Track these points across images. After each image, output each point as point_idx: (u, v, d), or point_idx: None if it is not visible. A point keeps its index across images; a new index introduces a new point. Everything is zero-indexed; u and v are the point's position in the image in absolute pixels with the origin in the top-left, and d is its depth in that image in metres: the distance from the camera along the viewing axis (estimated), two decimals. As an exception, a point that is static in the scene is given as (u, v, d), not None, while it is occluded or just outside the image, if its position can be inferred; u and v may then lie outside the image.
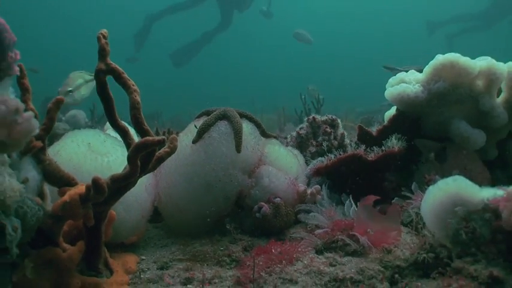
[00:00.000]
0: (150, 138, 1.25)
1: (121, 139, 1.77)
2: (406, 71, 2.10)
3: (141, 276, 1.45)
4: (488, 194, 1.32)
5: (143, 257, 1.59)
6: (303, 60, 31.89)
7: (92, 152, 1.60)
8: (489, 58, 2.01)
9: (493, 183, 2.00)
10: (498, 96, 2.05)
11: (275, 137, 2.00)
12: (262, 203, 1.67)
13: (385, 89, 2.10)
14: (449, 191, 1.36)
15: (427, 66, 1.99)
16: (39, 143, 1.24)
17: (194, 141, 1.71)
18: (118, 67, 1.41)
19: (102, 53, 1.38)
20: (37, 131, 1.05)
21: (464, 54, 1.96)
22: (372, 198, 1.59)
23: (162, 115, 9.09)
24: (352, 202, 1.66)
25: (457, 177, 1.38)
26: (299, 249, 1.46)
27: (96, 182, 1.19)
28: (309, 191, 1.78)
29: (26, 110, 1.04)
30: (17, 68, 1.05)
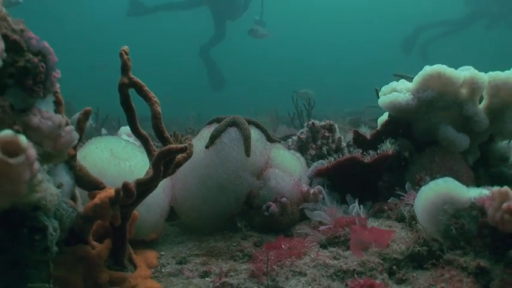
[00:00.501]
0: (174, 146, 1.30)
1: (137, 144, 1.84)
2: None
3: (162, 270, 1.49)
4: (474, 193, 1.39)
5: (162, 253, 1.63)
6: (294, 65, 31.99)
7: (115, 158, 1.64)
8: (472, 68, 2.07)
9: (476, 182, 2.08)
10: (480, 103, 2.12)
11: (279, 142, 2.05)
12: (270, 203, 1.72)
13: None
14: (440, 191, 1.42)
15: (416, 76, 2.05)
16: (72, 151, 1.30)
17: (207, 146, 1.75)
18: (139, 81, 1.46)
19: (125, 68, 1.43)
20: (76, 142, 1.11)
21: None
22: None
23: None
24: (356, 203, 1.72)
25: (446, 178, 1.44)
26: (306, 245, 1.51)
27: (126, 186, 1.24)
28: (311, 191, 1.83)
29: (66, 124, 1.10)
30: (57, 85, 1.10)
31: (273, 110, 10.07)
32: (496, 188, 1.30)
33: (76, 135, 1.08)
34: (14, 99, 0.99)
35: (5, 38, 0.97)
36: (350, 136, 2.62)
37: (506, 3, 12.13)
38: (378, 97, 2.85)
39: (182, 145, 1.30)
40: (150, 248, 1.66)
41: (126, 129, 2.42)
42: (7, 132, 0.85)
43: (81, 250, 1.33)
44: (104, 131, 5.02)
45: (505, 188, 1.27)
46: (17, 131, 0.96)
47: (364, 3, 32.42)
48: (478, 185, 2.06)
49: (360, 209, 1.68)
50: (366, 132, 4.52)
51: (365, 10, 32.64)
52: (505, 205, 1.24)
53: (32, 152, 0.88)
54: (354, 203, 1.71)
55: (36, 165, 0.90)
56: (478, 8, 12.75)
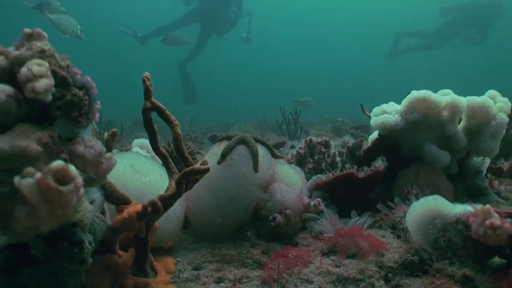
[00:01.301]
0: (197, 167, 1.32)
1: (152, 158, 1.85)
2: None
3: (180, 276, 1.50)
4: (460, 209, 1.43)
5: (178, 259, 1.64)
6: (282, 76, 32.17)
7: (136, 172, 1.65)
8: (452, 93, 2.13)
9: (454, 193, 2.14)
10: (459, 124, 2.18)
11: (282, 158, 2.08)
12: (276, 214, 1.74)
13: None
14: (429, 206, 1.46)
15: (404, 99, 2.10)
16: (103, 170, 1.31)
17: (219, 162, 1.77)
18: (161, 105, 1.48)
19: (148, 94, 1.45)
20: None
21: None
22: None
23: (155, 123, 8.99)
24: (356, 214, 1.75)
25: (435, 196, 1.48)
26: (310, 254, 1.54)
27: (155, 204, 1.26)
28: (312, 203, 1.85)
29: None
30: (97, 115, 1.12)
31: (261, 117, 10.12)
32: (479, 206, 1.34)
33: (115, 161, 1.09)
34: (61, 129, 1.00)
35: (54, 74, 0.98)
36: (335, 142, 2.64)
37: (477, 18, 12.19)
38: (363, 111, 2.91)
39: (204, 167, 1.32)
40: (167, 255, 1.66)
41: (138, 141, 2.44)
42: (59, 163, 0.86)
43: (109, 259, 1.34)
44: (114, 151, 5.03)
45: (488, 206, 1.32)
46: (65, 160, 0.98)
47: (345, 19, 32.79)
48: (456, 196, 2.13)
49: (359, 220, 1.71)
50: (350, 140, 4.58)
51: (347, 24, 32.98)
52: (488, 222, 1.29)
53: (80, 179, 0.89)
54: (355, 215, 1.74)
55: (82, 190, 0.92)
56: (453, 21, 12.76)
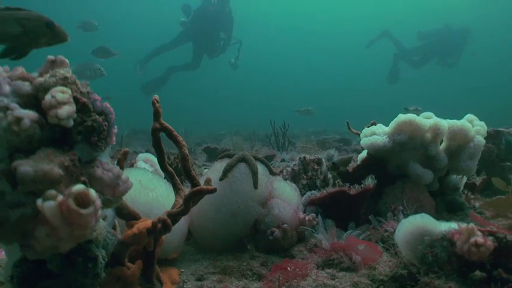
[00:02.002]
0: (204, 187, 1.31)
1: (155, 172, 1.83)
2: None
3: (184, 286, 1.47)
4: (445, 227, 1.43)
5: (182, 270, 1.61)
6: (271, 91, 32.46)
7: (144, 188, 1.62)
8: (434, 116, 2.16)
9: (435, 209, 2.15)
10: (441, 145, 2.20)
11: (279, 175, 2.08)
12: (274, 228, 1.72)
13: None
14: (417, 224, 1.46)
15: (392, 122, 2.11)
16: (116, 188, 1.29)
17: (221, 179, 1.75)
18: (169, 126, 1.46)
19: (157, 115, 1.43)
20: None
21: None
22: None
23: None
24: (354, 227, 1.74)
25: (423, 214, 1.48)
26: (307, 267, 1.52)
27: (164, 221, 1.24)
28: (307, 218, 1.84)
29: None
30: (114, 138, 1.10)
31: (251, 129, 10.15)
32: (464, 225, 1.35)
33: (131, 183, 1.07)
34: (81, 153, 0.99)
35: (76, 100, 0.97)
36: (320, 155, 2.64)
37: (449, 43, 12.41)
38: (349, 128, 2.92)
39: (211, 187, 1.31)
40: (172, 266, 1.64)
41: (143, 156, 2.40)
42: (80, 187, 0.85)
43: (119, 271, 1.31)
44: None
45: (471, 225, 1.33)
46: (84, 182, 0.96)
47: (332, 34, 33.23)
48: (436, 211, 2.14)
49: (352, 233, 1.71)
50: (334, 153, 4.60)
51: (335, 44, 33.43)
52: (472, 240, 1.29)
53: (99, 202, 0.88)
54: (353, 227, 1.74)
55: (100, 212, 0.90)
56: (428, 44, 12.94)
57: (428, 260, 1.40)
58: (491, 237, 1.32)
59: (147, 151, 3.72)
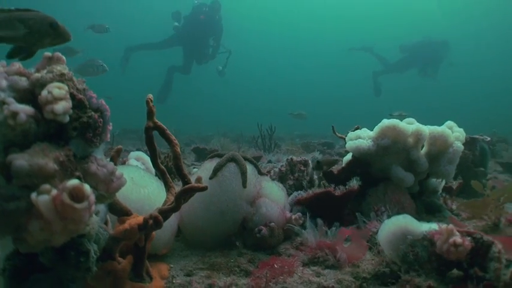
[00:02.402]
0: (196, 185, 1.30)
1: (146, 170, 1.81)
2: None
3: (173, 281, 1.45)
4: (426, 227, 1.44)
5: (171, 265, 1.59)
6: (257, 95, 32.56)
7: (136, 185, 1.60)
8: (416, 122, 2.18)
9: (416, 210, 2.17)
10: (422, 150, 2.22)
11: (267, 175, 2.07)
12: (261, 227, 1.71)
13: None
14: (399, 225, 1.46)
15: (376, 126, 2.13)
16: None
17: (211, 178, 1.74)
18: (162, 125, 1.45)
19: (150, 114, 1.42)
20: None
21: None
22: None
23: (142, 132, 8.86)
24: (338, 227, 1.74)
25: (405, 215, 1.49)
26: (293, 264, 1.52)
27: (156, 218, 1.23)
28: (293, 217, 1.83)
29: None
30: (109, 135, 1.08)
31: (238, 130, 10.14)
32: (444, 226, 1.36)
33: (125, 180, 1.06)
34: (76, 148, 0.97)
35: (72, 96, 0.95)
36: (305, 157, 2.64)
37: (429, 55, 12.66)
38: (334, 132, 2.93)
39: (202, 185, 1.30)
40: (161, 261, 1.62)
41: (135, 154, 2.37)
42: (74, 181, 0.83)
43: (110, 265, 1.30)
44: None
45: (451, 226, 1.34)
46: (79, 177, 0.94)
47: (318, 47, 33.56)
48: (416, 212, 2.16)
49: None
50: (318, 156, 4.61)
51: (320, 51, 33.76)
52: (451, 240, 1.30)
53: (93, 197, 0.86)
54: (337, 227, 1.74)
55: (94, 207, 0.88)
56: (410, 56, 13.17)
57: (409, 258, 1.41)
58: (469, 238, 1.33)
59: (137, 150, 3.68)
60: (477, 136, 3.30)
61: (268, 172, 2.47)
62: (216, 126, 12.14)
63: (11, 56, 1.13)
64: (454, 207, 2.46)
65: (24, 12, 1.14)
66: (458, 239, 1.30)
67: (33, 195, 0.81)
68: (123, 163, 2.35)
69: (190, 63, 11.33)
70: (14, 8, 1.13)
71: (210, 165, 1.82)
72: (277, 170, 2.40)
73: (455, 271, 1.40)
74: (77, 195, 0.84)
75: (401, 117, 2.23)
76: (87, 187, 0.84)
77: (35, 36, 0.98)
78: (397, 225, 1.47)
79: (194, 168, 3.81)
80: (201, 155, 5.22)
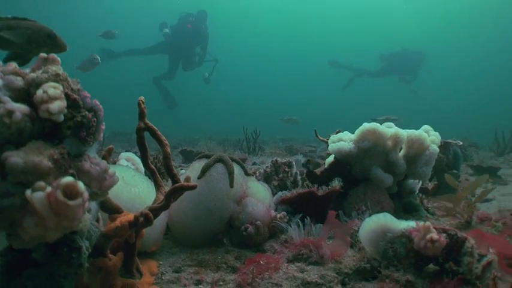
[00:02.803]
0: (185, 184, 1.30)
1: (138, 171, 1.80)
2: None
3: (162, 277, 1.45)
4: (404, 225, 1.47)
5: (161, 262, 1.59)
6: (241, 101, 32.66)
7: (127, 184, 1.59)
8: (394, 126, 2.22)
9: (394, 210, 2.21)
10: (400, 152, 2.27)
11: (253, 175, 2.08)
12: (248, 225, 1.72)
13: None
14: (379, 223, 1.49)
15: (357, 130, 2.16)
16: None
17: (199, 177, 1.74)
18: (153, 126, 1.44)
19: (142, 115, 1.41)
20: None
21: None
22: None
23: (132, 135, 8.79)
24: (320, 226, 1.75)
25: (385, 213, 1.52)
26: (278, 260, 1.53)
27: (147, 215, 1.22)
28: (278, 216, 1.85)
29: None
30: (102, 135, 1.07)
31: (223, 134, 10.13)
32: (421, 223, 1.40)
33: (117, 178, 1.05)
34: (70, 147, 0.96)
35: (67, 96, 0.94)
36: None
37: (407, 63, 12.96)
38: (316, 136, 2.97)
39: (192, 184, 1.30)
40: (151, 258, 1.61)
41: (125, 154, 2.35)
42: (69, 179, 0.83)
43: (101, 262, 1.29)
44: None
45: (428, 223, 1.37)
46: (73, 175, 0.93)
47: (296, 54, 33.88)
48: (395, 211, 2.20)
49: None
50: (301, 159, 4.64)
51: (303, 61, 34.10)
52: (428, 236, 1.34)
53: (86, 194, 0.86)
54: (319, 227, 1.75)
55: (87, 204, 0.88)
56: (389, 64, 13.49)
57: (389, 255, 1.44)
58: (444, 234, 1.37)
59: (126, 151, 3.64)
60: (451, 140, 3.39)
61: (254, 173, 2.48)
62: (202, 130, 12.11)
63: (7, 61, 1.14)
64: (429, 206, 2.51)
65: (23, 21, 1.15)
66: (434, 235, 1.34)
67: (28, 192, 0.80)
68: (114, 163, 2.33)
69: (175, 69, 11.32)
70: (10, 16, 1.13)
71: (198, 165, 1.82)
72: (262, 171, 2.41)
73: (431, 266, 1.43)
74: (70, 193, 0.83)
75: (390, 121, 2.28)
76: (81, 184, 0.84)
77: (33, 45, 0.99)
78: (378, 223, 1.50)
79: (182, 169, 3.79)
80: (188, 157, 5.20)
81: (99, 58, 5.65)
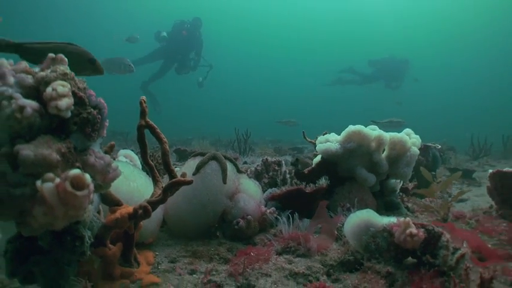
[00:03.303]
0: (182, 179, 1.33)
1: (136, 167, 1.82)
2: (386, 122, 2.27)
3: (158, 267, 1.48)
4: (386, 220, 1.52)
5: (157, 253, 1.61)
6: (232, 104, 32.70)
7: (126, 179, 1.61)
8: (377, 129, 2.28)
9: (377, 207, 2.26)
10: (383, 153, 2.32)
11: (245, 173, 2.11)
12: (239, 219, 1.75)
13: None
14: (363, 218, 1.54)
15: (343, 131, 2.21)
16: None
17: (194, 174, 1.77)
18: (153, 124, 1.47)
19: (143, 113, 1.44)
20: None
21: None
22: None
23: (129, 134, 8.78)
24: (307, 220, 1.80)
25: (368, 209, 1.57)
26: (269, 253, 1.57)
27: (145, 208, 1.25)
28: (268, 211, 1.88)
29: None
30: (105, 131, 1.10)
31: (216, 135, 10.13)
32: (401, 219, 1.44)
33: (120, 171, 1.08)
34: (76, 141, 0.99)
35: (74, 94, 0.97)
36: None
37: (393, 70, 13.13)
38: (304, 137, 3.02)
39: (188, 179, 1.33)
40: (147, 249, 1.63)
41: (123, 152, 2.36)
42: (76, 171, 0.85)
43: (101, 251, 1.31)
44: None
45: (408, 219, 1.42)
46: (79, 168, 0.96)
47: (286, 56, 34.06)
48: (377, 209, 2.25)
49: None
50: (289, 160, 4.66)
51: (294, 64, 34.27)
52: (408, 231, 1.38)
53: (92, 186, 0.88)
54: (306, 222, 1.79)
55: (92, 195, 0.90)
56: (377, 70, 13.63)
57: (371, 248, 1.49)
58: (422, 229, 1.42)
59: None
60: (430, 144, 3.47)
61: (245, 171, 2.51)
62: (195, 131, 12.09)
63: None
64: (409, 205, 2.57)
65: (67, 45, 1.20)
66: (413, 230, 1.39)
67: (38, 183, 0.83)
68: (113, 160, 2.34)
69: (166, 70, 11.27)
70: (53, 40, 1.17)
71: (193, 162, 1.85)
72: (253, 169, 2.45)
73: (410, 258, 1.48)
74: (78, 184, 0.86)
75: (393, 124, 2.34)
76: (87, 176, 0.87)
77: (73, 68, 1.02)
78: (361, 218, 1.54)
79: (176, 167, 3.80)
80: (182, 156, 5.21)
81: (133, 66, 5.15)
